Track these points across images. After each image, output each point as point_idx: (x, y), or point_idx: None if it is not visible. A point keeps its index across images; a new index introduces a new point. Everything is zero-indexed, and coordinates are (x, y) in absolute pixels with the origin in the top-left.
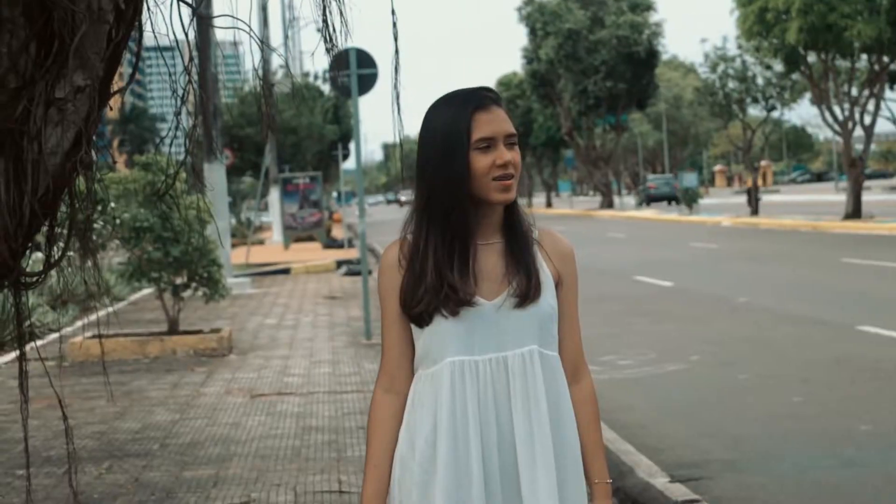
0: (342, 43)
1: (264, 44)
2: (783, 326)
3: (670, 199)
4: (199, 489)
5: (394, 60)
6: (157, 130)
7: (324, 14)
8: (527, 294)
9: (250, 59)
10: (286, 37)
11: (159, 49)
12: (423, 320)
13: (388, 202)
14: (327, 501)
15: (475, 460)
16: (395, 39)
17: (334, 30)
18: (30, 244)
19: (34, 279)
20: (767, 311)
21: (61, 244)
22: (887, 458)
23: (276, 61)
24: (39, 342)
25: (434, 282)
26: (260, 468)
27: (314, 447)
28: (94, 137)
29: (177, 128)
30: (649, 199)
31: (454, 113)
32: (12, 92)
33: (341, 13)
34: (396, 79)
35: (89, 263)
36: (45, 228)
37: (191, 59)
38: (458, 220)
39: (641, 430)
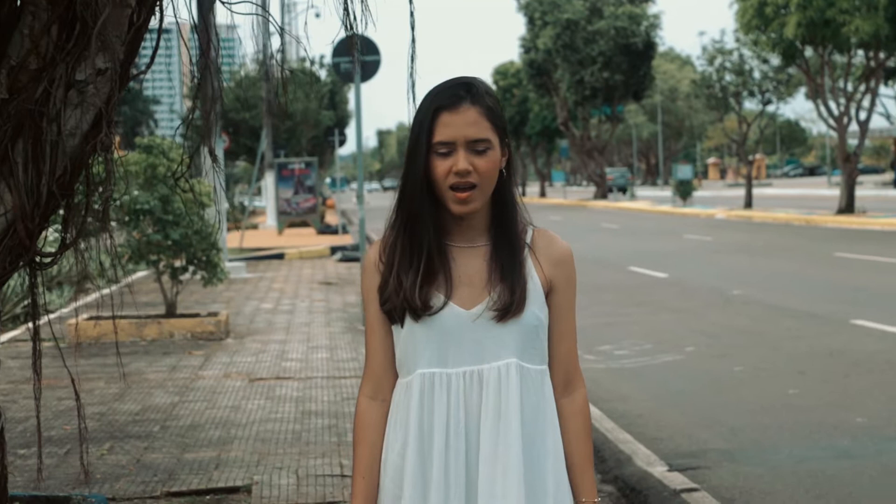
0: (361, 29)
1: (283, 30)
2: (777, 319)
3: (624, 189)
4: (201, 471)
5: (410, 49)
6: (150, 113)
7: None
8: (508, 308)
9: (249, 43)
10: (304, 24)
11: (183, 33)
12: (394, 318)
13: (385, 189)
14: (329, 485)
15: (436, 477)
16: (412, 28)
17: (355, 17)
18: (46, 225)
19: (49, 259)
20: (761, 303)
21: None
22: (882, 450)
23: (274, 46)
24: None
25: (395, 285)
26: (261, 451)
27: (314, 431)
28: (114, 119)
29: (193, 112)
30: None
31: (422, 110)
32: (33, 73)
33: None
34: (412, 67)
35: (101, 244)
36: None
37: (208, 44)
38: (418, 224)
39: (639, 420)
